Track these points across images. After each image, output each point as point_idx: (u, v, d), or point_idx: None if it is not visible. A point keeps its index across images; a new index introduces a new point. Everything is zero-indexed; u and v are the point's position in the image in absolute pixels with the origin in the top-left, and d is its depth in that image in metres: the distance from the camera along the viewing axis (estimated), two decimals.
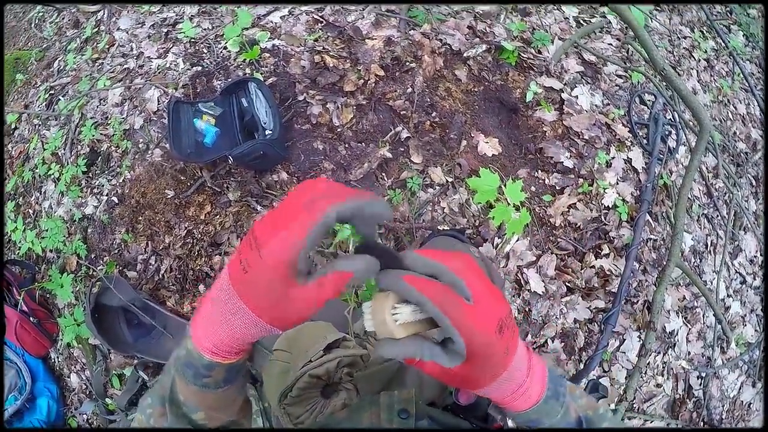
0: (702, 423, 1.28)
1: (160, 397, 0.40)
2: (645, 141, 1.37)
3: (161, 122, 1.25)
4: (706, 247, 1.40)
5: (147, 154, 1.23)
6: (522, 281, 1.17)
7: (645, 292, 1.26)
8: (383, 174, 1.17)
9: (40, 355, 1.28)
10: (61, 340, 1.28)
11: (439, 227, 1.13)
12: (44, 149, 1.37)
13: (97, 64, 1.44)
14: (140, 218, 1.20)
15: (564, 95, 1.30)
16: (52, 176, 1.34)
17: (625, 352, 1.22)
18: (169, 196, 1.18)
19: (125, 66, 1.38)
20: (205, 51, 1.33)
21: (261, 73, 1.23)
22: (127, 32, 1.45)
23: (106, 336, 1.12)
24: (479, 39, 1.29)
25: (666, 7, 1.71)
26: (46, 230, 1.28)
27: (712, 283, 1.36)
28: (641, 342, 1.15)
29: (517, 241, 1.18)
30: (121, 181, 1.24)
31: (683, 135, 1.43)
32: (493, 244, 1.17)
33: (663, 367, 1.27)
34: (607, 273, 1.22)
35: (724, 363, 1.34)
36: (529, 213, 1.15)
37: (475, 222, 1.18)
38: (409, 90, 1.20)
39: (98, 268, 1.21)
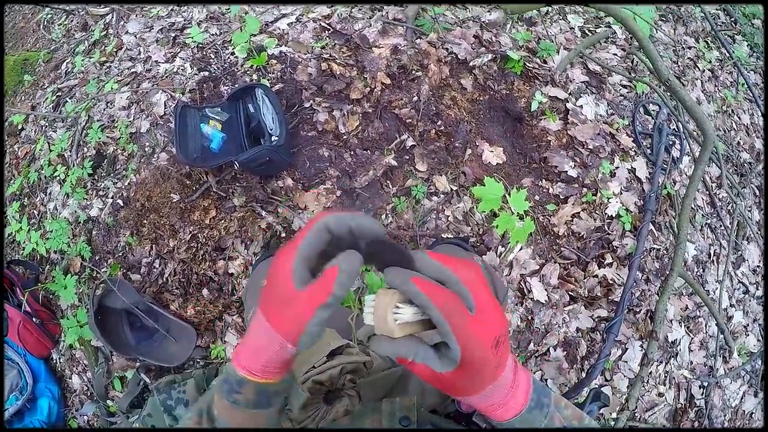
0: None
1: (199, 410, 0.42)
2: (649, 151, 1.37)
3: (168, 126, 1.26)
4: (709, 257, 1.40)
5: (153, 158, 1.23)
6: (525, 290, 1.17)
7: (648, 301, 1.26)
8: (388, 181, 1.18)
9: (42, 355, 1.29)
10: (64, 341, 1.28)
11: (443, 235, 1.14)
12: (50, 150, 1.38)
13: (104, 67, 1.45)
14: (145, 221, 1.20)
15: (569, 105, 1.31)
16: (58, 178, 1.34)
17: (627, 362, 1.22)
18: (175, 200, 1.18)
19: (133, 70, 1.39)
20: (213, 56, 1.34)
21: (268, 80, 1.24)
22: (135, 36, 1.46)
23: (109, 338, 1.12)
24: (485, 48, 1.30)
25: (671, 17, 1.72)
26: (51, 231, 1.29)
27: (714, 292, 1.36)
28: (643, 351, 1.15)
29: (520, 249, 1.19)
30: (126, 184, 1.24)
31: (687, 145, 1.43)
32: (496, 253, 1.17)
33: (665, 377, 1.27)
34: (610, 282, 1.22)
35: (726, 372, 1.34)
36: (533, 222, 1.15)
37: (479, 230, 1.18)
38: (415, 98, 1.21)
39: (102, 270, 1.21)
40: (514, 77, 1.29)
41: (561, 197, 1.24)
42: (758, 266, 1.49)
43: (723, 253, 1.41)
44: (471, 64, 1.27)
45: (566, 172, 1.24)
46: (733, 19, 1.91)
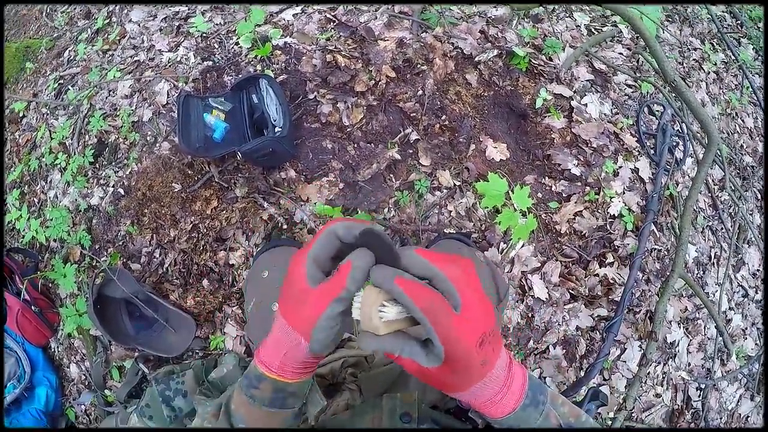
0: None
1: (218, 403, 0.43)
2: (652, 151, 1.37)
3: (170, 115, 1.25)
4: (710, 259, 1.40)
5: (155, 147, 1.23)
6: (526, 287, 1.17)
7: (648, 302, 1.26)
8: (391, 175, 1.17)
9: (40, 344, 1.28)
10: (62, 330, 1.28)
11: (445, 230, 1.13)
12: (51, 138, 1.37)
13: (107, 55, 1.44)
14: (146, 211, 1.20)
15: (573, 103, 1.30)
16: (59, 166, 1.34)
17: (625, 361, 1.22)
18: (176, 190, 1.18)
19: (136, 58, 1.38)
20: (217, 46, 1.33)
21: (272, 70, 1.23)
22: (138, 24, 1.45)
23: (108, 327, 1.12)
24: (491, 44, 1.30)
25: (677, 18, 1.72)
26: (51, 219, 1.28)
27: (714, 295, 1.36)
28: (642, 351, 1.15)
29: (522, 246, 1.18)
30: (127, 173, 1.23)
31: (690, 146, 1.43)
32: (498, 249, 1.17)
33: (663, 378, 1.27)
34: (611, 282, 1.22)
35: (723, 375, 1.35)
36: (535, 219, 1.15)
37: (481, 226, 1.18)
38: (420, 92, 1.20)
39: (102, 259, 1.20)
40: (519, 74, 1.28)
41: (564, 195, 1.24)
42: (758, 270, 1.50)
43: (724, 255, 1.42)
44: (476, 59, 1.26)
45: (569, 170, 1.24)
46: (739, 21, 1.91)
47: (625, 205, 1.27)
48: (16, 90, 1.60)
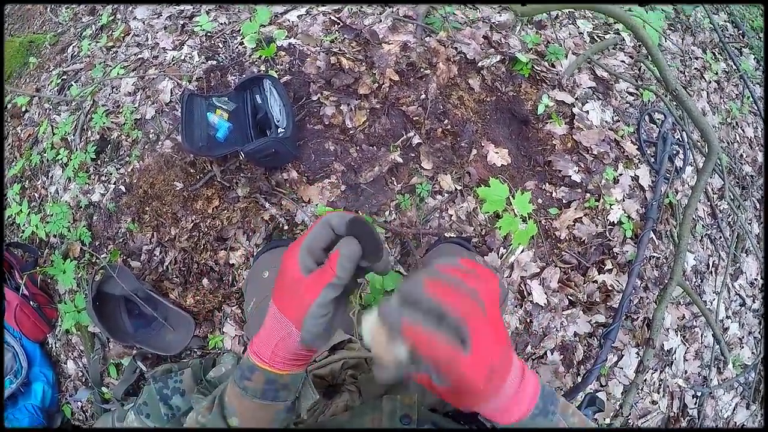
0: None
1: (213, 396, 0.44)
2: (653, 159, 1.38)
3: (173, 114, 1.25)
4: (708, 268, 1.41)
5: (157, 145, 1.23)
6: (525, 292, 1.18)
7: (645, 309, 1.27)
8: (393, 178, 1.18)
9: (38, 339, 1.28)
10: (60, 326, 1.28)
11: (445, 234, 1.14)
12: (54, 134, 1.37)
13: (111, 52, 1.44)
14: (147, 208, 1.20)
15: (575, 110, 1.31)
16: (60, 161, 1.34)
17: (622, 368, 1.23)
18: (178, 188, 1.18)
19: (140, 56, 1.38)
20: (221, 45, 1.33)
21: (276, 71, 1.24)
22: (143, 22, 1.46)
23: (106, 324, 1.12)
24: (494, 49, 1.30)
25: (679, 27, 1.73)
26: (51, 215, 1.28)
27: (712, 303, 1.36)
28: (639, 358, 1.15)
29: (522, 252, 1.19)
30: (129, 170, 1.24)
31: (691, 155, 1.44)
32: (498, 254, 1.18)
33: (659, 385, 1.27)
34: (609, 288, 1.22)
35: (720, 383, 1.35)
36: (535, 225, 1.15)
37: (481, 231, 1.19)
38: (423, 96, 1.21)
39: (102, 256, 1.20)
40: (522, 79, 1.29)
41: (564, 201, 1.24)
42: (756, 279, 1.50)
43: (722, 264, 1.42)
44: (479, 64, 1.27)
45: (570, 176, 1.25)
46: (741, 31, 1.92)
47: (625, 212, 1.27)
48: (19, 84, 1.60)
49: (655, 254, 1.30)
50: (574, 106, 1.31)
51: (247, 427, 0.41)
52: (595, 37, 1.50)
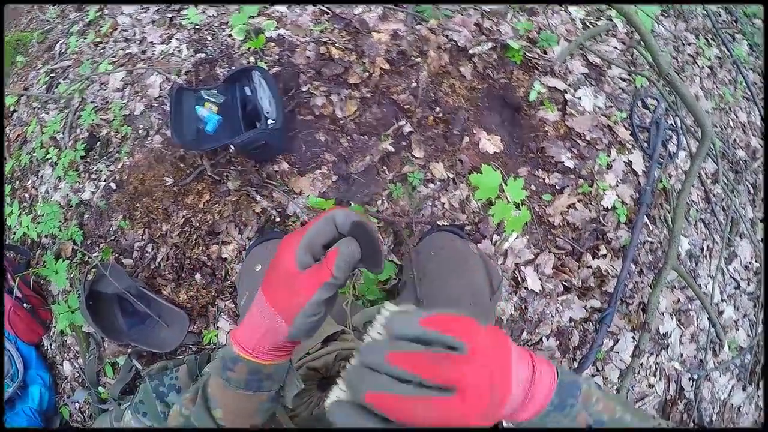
0: (692, 424, 1.29)
1: (195, 388, 0.43)
2: (646, 144, 1.38)
3: (162, 108, 1.24)
4: (702, 252, 1.41)
5: (147, 141, 1.22)
6: (519, 279, 1.18)
7: (640, 293, 1.27)
8: (385, 167, 1.17)
9: (32, 342, 1.27)
10: (55, 327, 1.27)
11: (438, 222, 1.13)
12: (42, 133, 1.35)
13: (99, 48, 1.42)
14: (138, 205, 1.19)
15: (567, 96, 1.30)
16: (50, 160, 1.32)
17: (618, 352, 1.23)
18: (168, 184, 1.17)
19: (128, 51, 1.36)
20: (210, 38, 1.32)
21: (265, 62, 1.22)
22: (130, 17, 1.44)
23: (101, 324, 1.11)
24: (485, 36, 1.29)
25: (672, 13, 1.72)
26: (42, 215, 1.27)
27: (706, 287, 1.37)
28: (635, 342, 1.16)
29: (515, 238, 1.19)
30: (119, 167, 1.22)
31: (684, 140, 1.44)
32: (491, 241, 1.17)
33: (656, 368, 1.28)
34: (604, 273, 1.22)
35: (716, 366, 1.36)
36: (528, 211, 1.15)
37: (474, 218, 1.18)
38: (414, 84, 1.20)
39: (94, 254, 1.19)
40: (514, 66, 1.28)
41: (557, 188, 1.24)
42: (750, 262, 1.51)
43: (716, 248, 1.43)
44: (471, 51, 1.26)
45: (563, 162, 1.24)
46: (734, 17, 1.91)
47: (619, 197, 1.27)
48: (7, 84, 1.58)
49: (649, 239, 1.31)
50: (567, 93, 1.31)
51: (232, 420, 0.40)
52: (588, 23, 1.49)
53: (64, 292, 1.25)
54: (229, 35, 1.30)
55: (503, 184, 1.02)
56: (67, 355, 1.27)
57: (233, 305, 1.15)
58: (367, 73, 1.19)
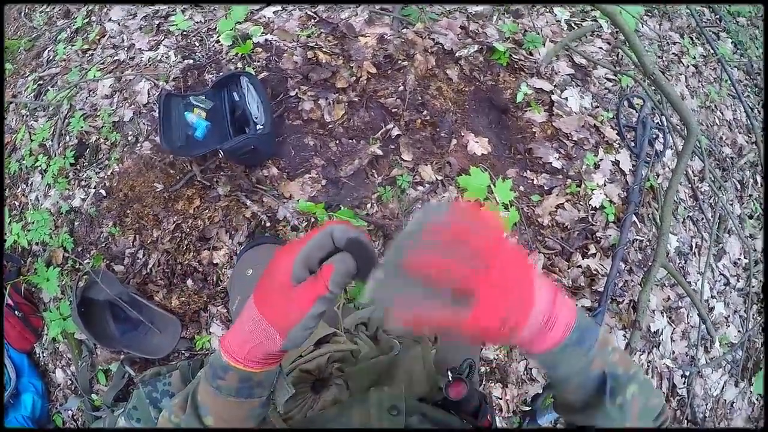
0: (686, 421, 1.30)
1: (185, 395, 0.43)
2: (633, 144, 1.39)
3: (151, 115, 1.24)
4: (691, 249, 1.42)
5: (136, 147, 1.22)
6: None
7: (631, 291, 1.28)
8: (373, 171, 1.18)
9: (24, 350, 1.27)
10: (47, 334, 1.26)
11: None
12: (32, 140, 1.35)
13: (87, 55, 1.42)
14: (128, 211, 1.19)
15: (554, 97, 1.32)
16: (39, 168, 1.32)
17: None
18: (158, 190, 1.17)
19: (116, 57, 1.37)
20: (197, 44, 1.32)
21: (253, 68, 1.23)
22: (118, 23, 1.44)
23: (93, 330, 1.11)
24: (471, 39, 1.31)
25: (657, 13, 1.74)
26: (33, 223, 1.27)
27: (696, 284, 1.38)
28: (626, 341, 1.17)
29: None
30: (109, 173, 1.22)
31: (670, 139, 1.46)
32: None
33: (647, 366, 1.29)
34: (594, 272, 1.23)
35: (707, 362, 1.37)
36: (517, 212, 1.16)
37: None
38: (401, 88, 1.21)
39: (85, 261, 1.19)
40: (500, 69, 1.29)
41: (545, 188, 1.25)
42: (739, 259, 1.53)
43: (705, 245, 1.44)
44: (457, 54, 1.27)
45: (551, 163, 1.25)
46: (717, 16, 1.94)
47: (607, 196, 1.28)
48: None
49: (638, 237, 1.32)
50: (553, 94, 1.32)
51: (225, 426, 0.40)
52: (573, 25, 1.51)
53: (55, 299, 1.25)
54: (217, 41, 1.30)
55: (492, 185, 1.03)
56: (60, 363, 1.26)
57: (225, 310, 1.16)
58: (354, 78, 1.20)
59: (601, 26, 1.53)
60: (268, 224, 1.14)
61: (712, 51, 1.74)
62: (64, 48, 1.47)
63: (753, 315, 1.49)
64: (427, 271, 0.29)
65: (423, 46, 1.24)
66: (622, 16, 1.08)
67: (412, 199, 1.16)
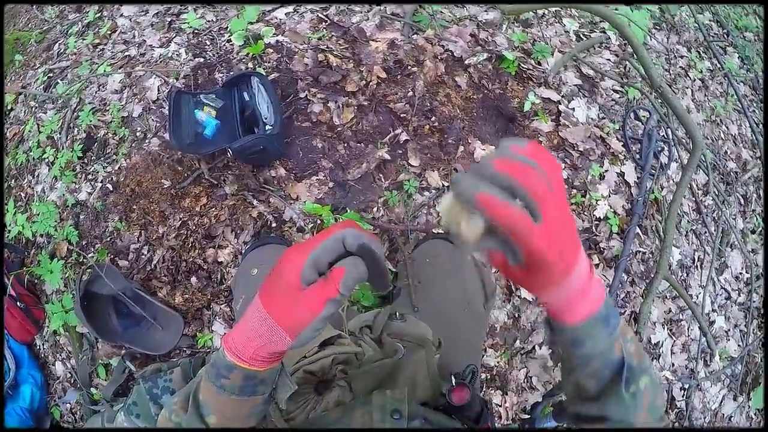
0: None
1: (186, 394, 0.42)
2: (638, 156, 1.40)
3: (160, 111, 1.25)
4: (694, 262, 1.43)
5: (144, 143, 1.22)
6: (512, 287, 1.19)
7: (632, 303, 1.28)
8: (381, 175, 1.18)
9: (25, 341, 1.27)
10: (48, 326, 1.27)
11: (433, 230, 1.14)
12: (40, 132, 1.35)
13: (98, 49, 1.43)
14: (134, 207, 1.19)
15: (561, 107, 1.32)
16: (47, 160, 1.32)
17: None
18: (165, 186, 1.17)
19: (126, 53, 1.37)
20: (208, 43, 1.33)
21: (264, 68, 1.24)
22: (130, 19, 1.45)
23: (95, 324, 1.11)
24: (481, 47, 1.31)
25: (664, 26, 1.75)
26: (38, 214, 1.27)
27: (697, 297, 1.38)
28: None
29: None
30: (116, 168, 1.23)
31: (675, 152, 1.46)
32: None
33: None
34: None
35: (707, 375, 1.37)
36: None
37: None
38: (410, 93, 1.22)
39: (89, 255, 1.19)
40: (509, 77, 1.30)
41: None
42: (741, 273, 1.53)
43: (707, 259, 1.45)
44: (466, 62, 1.28)
45: None
46: (725, 30, 1.95)
47: (611, 208, 1.29)
48: (5, 82, 1.58)
49: (641, 249, 1.32)
50: (560, 104, 1.33)
51: (227, 425, 0.40)
52: (581, 36, 1.52)
53: (58, 291, 1.25)
54: (228, 40, 1.31)
55: None
56: (60, 356, 1.27)
57: (228, 309, 1.16)
58: (364, 82, 1.21)
59: (609, 38, 1.54)
60: (274, 225, 1.14)
61: (718, 65, 1.75)
62: (75, 42, 1.48)
63: (753, 330, 1.50)
64: (509, 171, 0.30)
65: (433, 53, 1.25)
66: (630, 28, 1.09)
67: (418, 204, 1.17)
